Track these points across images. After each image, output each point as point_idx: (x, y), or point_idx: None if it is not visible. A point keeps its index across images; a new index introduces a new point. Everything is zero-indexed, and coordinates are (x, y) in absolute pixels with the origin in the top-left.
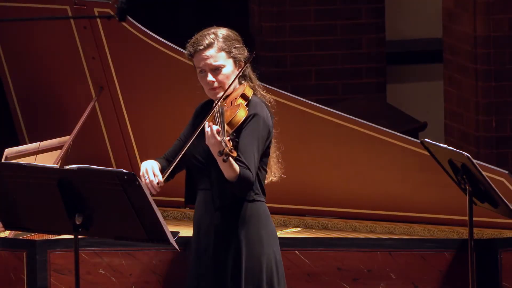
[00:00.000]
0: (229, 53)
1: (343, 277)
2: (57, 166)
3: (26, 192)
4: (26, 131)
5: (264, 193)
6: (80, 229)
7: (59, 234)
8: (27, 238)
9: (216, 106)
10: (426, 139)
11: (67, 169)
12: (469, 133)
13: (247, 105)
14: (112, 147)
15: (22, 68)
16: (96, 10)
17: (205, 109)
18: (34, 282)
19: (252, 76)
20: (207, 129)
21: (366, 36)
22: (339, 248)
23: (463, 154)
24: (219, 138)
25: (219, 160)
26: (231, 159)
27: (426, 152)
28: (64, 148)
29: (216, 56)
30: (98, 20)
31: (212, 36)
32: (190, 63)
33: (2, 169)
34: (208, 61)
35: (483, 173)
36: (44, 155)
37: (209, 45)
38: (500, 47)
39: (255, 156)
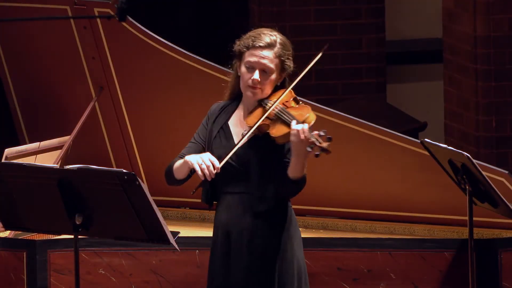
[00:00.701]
0: (282, 62)
1: (343, 277)
2: (57, 166)
3: (26, 192)
4: (26, 131)
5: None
6: (80, 229)
7: (59, 234)
8: (27, 238)
9: (275, 106)
10: (426, 139)
11: (67, 169)
12: (469, 133)
13: None
14: (112, 147)
15: (22, 68)
16: (96, 10)
17: (228, 111)
18: (34, 282)
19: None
20: (296, 127)
21: (366, 36)
22: (339, 248)
23: (463, 154)
24: (308, 135)
25: (304, 156)
26: None
27: (426, 152)
28: (64, 148)
29: (271, 59)
30: (98, 20)
31: (274, 38)
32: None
33: (2, 169)
34: (263, 61)
35: (483, 173)
36: (44, 155)
37: (269, 46)
38: (500, 47)
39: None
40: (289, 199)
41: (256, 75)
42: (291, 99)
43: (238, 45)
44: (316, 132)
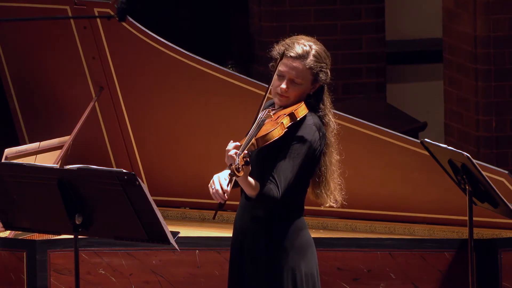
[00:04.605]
0: (313, 74)
1: (343, 277)
2: (57, 166)
3: (26, 192)
4: (26, 131)
5: (300, 210)
6: (80, 229)
7: (59, 234)
8: (27, 238)
9: (261, 115)
10: (426, 139)
11: (67, 169)
12: (469, 133)
13: (294, 125)
14: (112, 147)
15: (22, 68)
16: (96, 10)
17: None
18: (34, 282)
19: (326, 99)
20: (229, 146)
21: (366, 36)
22: (339, 248)
23: (463, 154)
24: (231, 153)
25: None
26: (250, 178)
27: (426, 152)
28: (64, 148)
29: (301, 71)
30: (98, 20)
31: (307, 48)
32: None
33: (2, 169)
34: (292, 72)
35: (483, 173)
36: (44, 155)
37: (301, 57)
38: (500, 47)
39: (289, 177)
40: (295, 207)
41: (284, 85)
42: (287, 114)
43: (274, 50)
44: (245, 153)
